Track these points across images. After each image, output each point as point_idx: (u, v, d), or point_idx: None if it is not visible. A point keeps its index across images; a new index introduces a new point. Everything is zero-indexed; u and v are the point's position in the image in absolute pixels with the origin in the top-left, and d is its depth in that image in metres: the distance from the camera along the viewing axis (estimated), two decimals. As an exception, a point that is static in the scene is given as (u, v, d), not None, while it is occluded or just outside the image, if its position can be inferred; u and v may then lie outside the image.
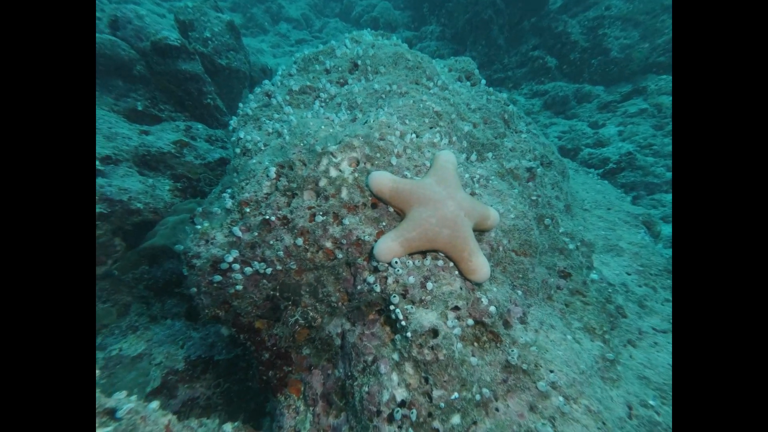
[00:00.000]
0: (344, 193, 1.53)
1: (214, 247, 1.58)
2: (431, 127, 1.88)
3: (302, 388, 1.65)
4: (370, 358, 1.40)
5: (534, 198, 2.15)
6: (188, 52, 4.93)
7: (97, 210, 2.85)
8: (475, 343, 1.48)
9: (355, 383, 1.40)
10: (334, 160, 1.56)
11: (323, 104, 2.17)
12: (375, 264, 1.44)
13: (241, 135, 1.98)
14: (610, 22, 8.35)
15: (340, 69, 2.31)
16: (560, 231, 2.22)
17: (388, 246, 1.38)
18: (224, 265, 1.54)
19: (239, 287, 1.56)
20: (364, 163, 1.59)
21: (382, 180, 1.46)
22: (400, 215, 1.51)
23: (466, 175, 1.83)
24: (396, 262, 1.39)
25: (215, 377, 2.58)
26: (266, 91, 2.30)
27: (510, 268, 1.72)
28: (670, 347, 2.11)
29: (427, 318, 1.30)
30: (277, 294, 1.58)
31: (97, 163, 3.26)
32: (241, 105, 2.26)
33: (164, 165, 3.67)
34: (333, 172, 1.55)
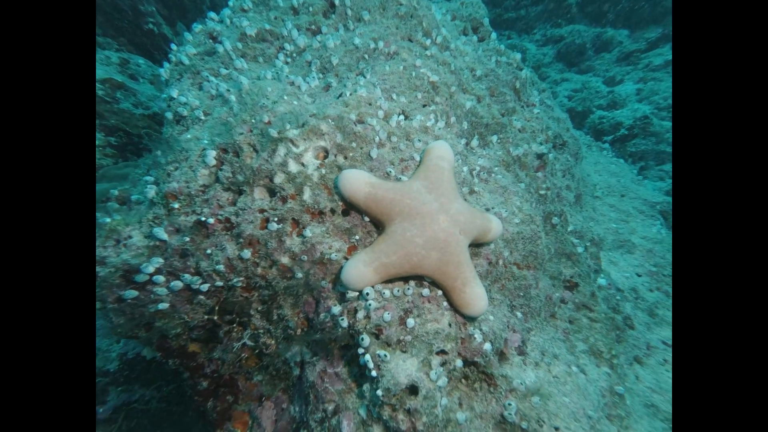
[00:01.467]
0: (307, 195, 1.29)
1: (128, 251, 1.34)
2: (425, 105, 1.61)
3: (250, 423, 1.51)
4: (330, 408, 1.25)
5: (543, 192, 1.96)
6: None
7: None
8: (464, 381, 1.36)
9: (313, 435, 1.27)
10: (294, 149, 1.30)
11: (289, 60, 1.84)
12: (342, 290, 1.24)
13: (174, 94, 1.66)
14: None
15: (311, 10, 1.94)
16: (569, 230, 2.07)
17: (360, 272, 1.18)
18: (142, 277, 1.31)
19: (164, 305, 1.35)
20: (335, 155, 1.33)
21: (356, 182, 1.22)
22: (378, 227, 1.30)
23: (465, 168, 1.60)
24: (368, 293, 1.20)
25: (159, 378, 2.45)
26: (210, 32, 1.93)
27: (510, 285, 1.56)
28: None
29: (405, 369, 1.14)
30: (215, 317, 1.38)
31: None
32: (174, 48, 1.90)
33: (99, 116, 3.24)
34: (293, 166, 1.29)
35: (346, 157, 1.34)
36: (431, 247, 1.20)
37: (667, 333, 2.23)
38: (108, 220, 1.41)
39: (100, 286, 1.35)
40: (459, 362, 1.27)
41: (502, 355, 1.46)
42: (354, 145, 1.35)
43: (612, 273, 2.40)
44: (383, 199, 1.22)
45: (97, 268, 1.34)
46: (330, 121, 1.33)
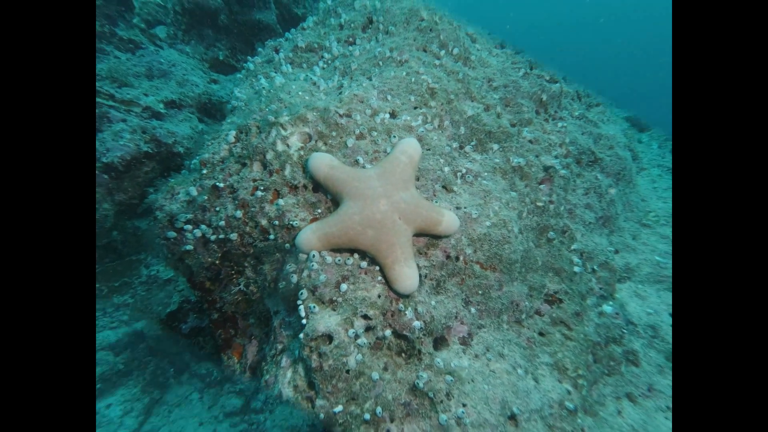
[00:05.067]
0: (287, 171, 1.52)
1: (176, 202, 1.73)
2: (416, 107, 1.71)
3: (243, 352, 1.80)
4: (280, 347, 1.45)
5: (541, 204, 1.87)
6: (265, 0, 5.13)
7: (144, 149, 3.26)
8: (398, 356, 1.43)
9: (265, 367, 1.48)
10: (282, 132, 1.54)
11: (325, 66, 2.10)
12: (297, 252, 1.44)
13: (236, 91, 2.05)
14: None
15: (353, 25, 2.18)
16: (572, 247, 1.92)
17: (307, 237, 1.36)
18: (178, 223, 1.69)
19: (189, 247, 1.70)
20: (315, 141, 1.54)
21: (320, 163, 1.41)
22: (335, 204, 1.46)
23: (446, 168, 1.65)
24: (314, 256, 1.37)
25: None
26: (275, 46, 2.31)
27: (469, 282, 1.57)
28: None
29: (325, 322, 1.29)
30: (217, 262, 1.69)
31: (161, 106, 3.70)
32: (249, 58, 2.32)
33: (221, 114, 4.01)
34: (280, 146, 1.54)
35: (325, 143, 1.53)
36: (367, 225, 1.32)
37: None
38: (172, 180, 1.84)
39: (157, 225, 1.78)
40: (388, 332, 1.35)
41: (442, 341, 1.48)
42: (334, 134, 1.54)
43: (630, 305, 2.11)
44: (337, 180, 1.38)
45: (157, 212, 1.77)
46: (315, 112, 1.54)
